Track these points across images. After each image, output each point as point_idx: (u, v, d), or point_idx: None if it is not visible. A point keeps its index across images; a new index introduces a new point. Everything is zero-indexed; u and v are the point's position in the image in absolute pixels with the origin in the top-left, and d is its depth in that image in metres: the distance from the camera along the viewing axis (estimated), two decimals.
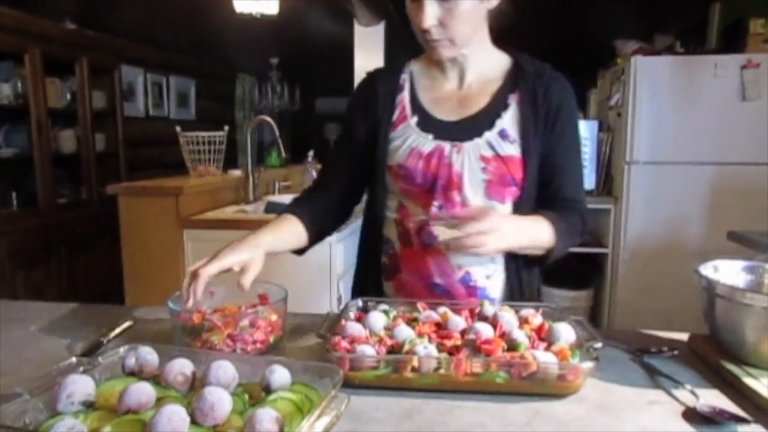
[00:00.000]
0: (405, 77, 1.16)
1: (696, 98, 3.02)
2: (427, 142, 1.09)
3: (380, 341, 0.82)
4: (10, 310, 1.17)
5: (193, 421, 0.60)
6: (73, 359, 0.75)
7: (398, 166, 1.10)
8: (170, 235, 2.36)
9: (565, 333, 0.83)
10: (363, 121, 1.16)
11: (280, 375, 0.69)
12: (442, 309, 0.94)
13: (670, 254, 3.10)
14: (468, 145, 1.07)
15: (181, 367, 0.71)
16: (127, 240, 2.42)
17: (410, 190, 1.11)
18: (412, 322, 0.90)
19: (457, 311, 0.93)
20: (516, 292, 1.13)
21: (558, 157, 1.11)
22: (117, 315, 1.09)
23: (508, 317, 0.88)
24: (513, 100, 1.09)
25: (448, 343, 0.82)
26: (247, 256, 0.94)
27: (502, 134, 1.07)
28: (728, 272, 0.93)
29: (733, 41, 3.12)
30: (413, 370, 0.76)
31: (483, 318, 0.91)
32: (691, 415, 0.71)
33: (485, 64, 1.12)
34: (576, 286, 3.40)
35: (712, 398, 0.75)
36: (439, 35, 1.01)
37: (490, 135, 1.07)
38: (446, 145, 1.08)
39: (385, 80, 1.16)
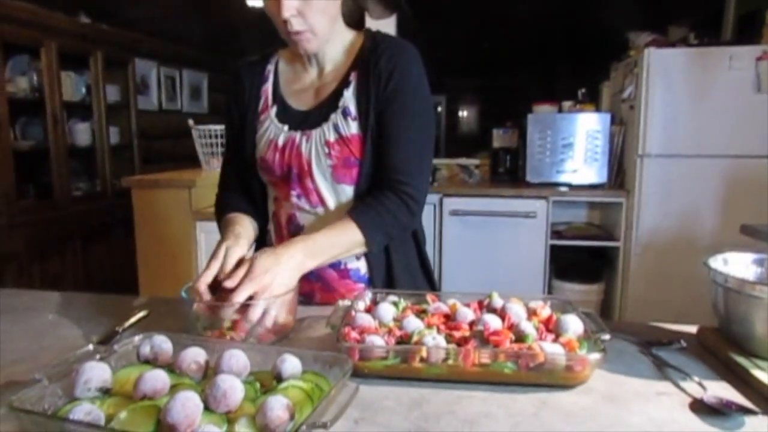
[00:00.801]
0: (270, 68, 1.19)
1: (710, 90, 2.99)
2: (282, 134, 1.13)
3: (389, 332, 0.84)
4: (28, 299, 1.19)
5: (206, 408, 0.62)
6: (90, 347, 0.77)
7: (261, 159, 1.15)
8: (183, 226, 2.39)
9: (573, 325, 0.83)
10: (236, 114, 1.20)
11: (291, 364, 0.71)
12: (452, 301, 0.95)
13: (682, 248, 3.08)
14: (315, 132, 1.10)
15: (195, 356, 0.73)
16: (140, 232, 2.46)
17: (273, 181, 1.17)
18: (421, 313, 0.91)
19: (465, 303, 0.94)
20: (389, 269, 1.15)
21: (388, 128, 1.08)
22: (131, 305, 1.12)
23: (516, 309, 0.89)
24: (353, 77, 1.11)
25: (457, 334, 0.83)
26: (243, 252, 1.00)
27: (345, 113, 1.09)
28: (738, 265, 0.93)
29: (748, 33, 3.08)
30: (422, 360, 0.77)
31: (491, 310, 0.92)
32: (698, 406, 0.72)
33: (340, 53, 1.14)
34: (586, 280, 3.39)
35: (720, 390, 0.76)
36: (299, 26, 1.03)
37: (335, 116, 1.09)
38: (297, 135, 1.11)
39: (251, 71, 1.20)
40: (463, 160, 3.86)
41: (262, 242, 1.24)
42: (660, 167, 3.10)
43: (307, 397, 0.65)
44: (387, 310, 0.90)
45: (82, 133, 3.70)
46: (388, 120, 1.08)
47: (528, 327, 0.82)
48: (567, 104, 3.45)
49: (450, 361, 0.77)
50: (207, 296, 0.92)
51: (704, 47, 3.07)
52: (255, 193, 1.22)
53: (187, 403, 0.59)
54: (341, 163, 1.09)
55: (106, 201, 3.81)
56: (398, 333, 0.83)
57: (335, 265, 1.13)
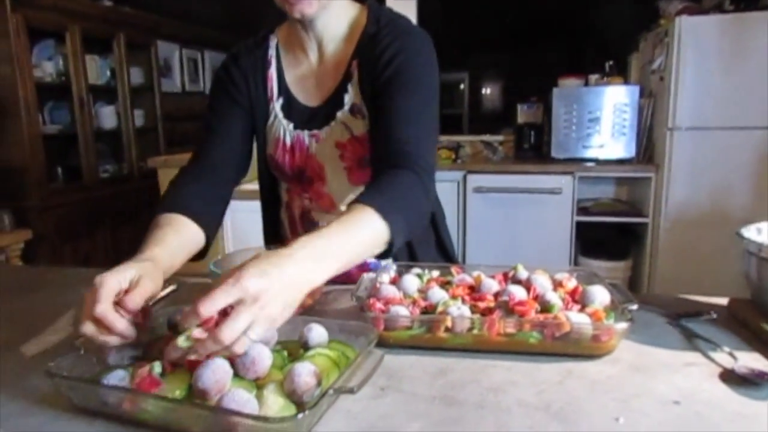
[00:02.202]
0: (272, 53, 1.09)
1: (746, 59, 2.88)
2: (288, 133, 1.06)
3: (414, 303, 0.84)
4: (62, 276, 1.23)
5: (236, 375, 0.63)
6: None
7: (270, 157, 1.09)
8: None
9: (600, 295, 0.82)
10: (232, 105, 1.06)
11: (317, 333, 0.72)
12: (476, 272, 0.94)
13: (713, 223, 3.02)
14: (324, 133, 1.03)
15: None
16: None
17: (286, 181, 1.10)
18: (445, 285, 0.91)
19: (490, 275, 0.94)
20: (407, 254, 1.10)
21: (390, 106, 0.94)
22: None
23: (542, 280, 0.88)
24: (354, 67, 1.01)
25: (482, 304, 0.83)
26: (135, 273, 0.72)
27: (353, 110, 1.02)
28: None
29: None
30: (447, 330, 0.77)
31: (516, 282, 0.91)
32: (728, 376, 0.71)
33: (342, 29, 1.04)
34: (613, 257, 3.35)
35: (751, 361, 0.74)
36: None
37: (343, 115, 1.02)
38: (305, 136, 1.05)
39: (251, 57, 1.08)
40: (486, 137, 3.82)
41: (275, 233, 1.19)
42: (690, 140, 3.02)
43: (334, 365, 0.66)
44: (411, 281, 0.90)
45: (107, 116, 3.76)
46: (391, 98, 0.95)
47: (554, 297, 0.82)
48: (594, 77, 3.38)
49: (475, 331, 0.77)
50: (120, 324, 0.66)
51: (741, 12, 2.94)
52: (221, 185, 1.04)
53: (218, 370, 0.61)
54: (356, 164, 1.04)
55: (133, 184, 3.88)
56: (423, 304, 0.84)
57: None
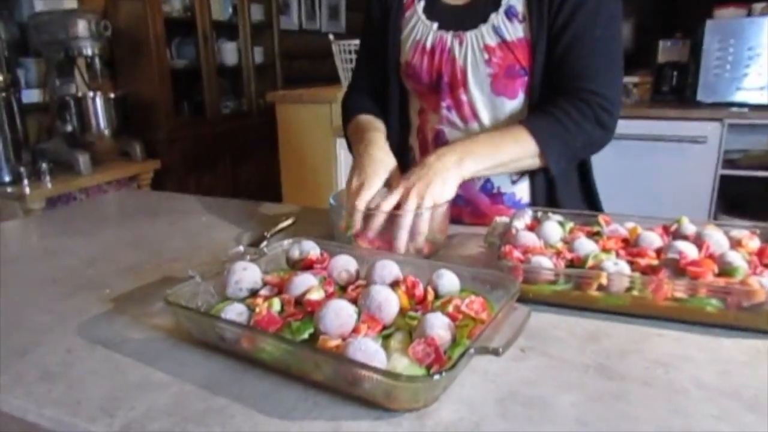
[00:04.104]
0: None
1: None
2: (430, 34, 0.98)
3: (558, 254, 0.72)
4: (184, 202, 1.24)
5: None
6: (241, 248, 0.75)
7: (406, 64, 1.03)
8: (324, 142, 2.40)
9: None
10: (378, 9, 1.08)
11: (448, 280, 0.63)
12: (630, 224, 0.80)
13: None
14: (471, 35, 0.95)
15: (346, 264, 0.68)
16: (284, 146, 2.52)
17: (420, 90, 1.04)
18: (593, 236, 0.79)
19: (647, 228, 0.80)
20: (547, 197, 1.00)
21: (569, 30, 0.90)
22: (279, 212, 1.11)
23: (717, 237, 0.73)
24: None
25: (642, 261, 0.69)
26: (386, 175, 0.88)
27: (509, 13, 0.93)
28: None
29: None
30: (600, 288, 0.65)
31: (681, 237, 0.76)
32: None
33: None
34: (762, 217, 2.94)
35: None
36: None
37: (496, 17, 0.94)
38: (448, 37, 0.95)
39: None
40: None
41: (401, 163, 1.14)
42: None
43: (469, 318, 0.57)
44: (553, 229, 0.78)
45: (229, 52, 3.84)
46: (569, 20, 0.89)
47: (736, 258, 0.67)
48: (759, 6, 2.88)
49: (635, 292, 0.65)
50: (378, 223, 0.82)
51: None
52: (390, 100, 1.10)
53: (341, 313, 0.54)
54: (503, 72, 0.94)
55: (252, 120, 3.98)
56: (569, 255, 0.72)
57: (487, 188, 1.02)
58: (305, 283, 0.62)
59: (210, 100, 3.61)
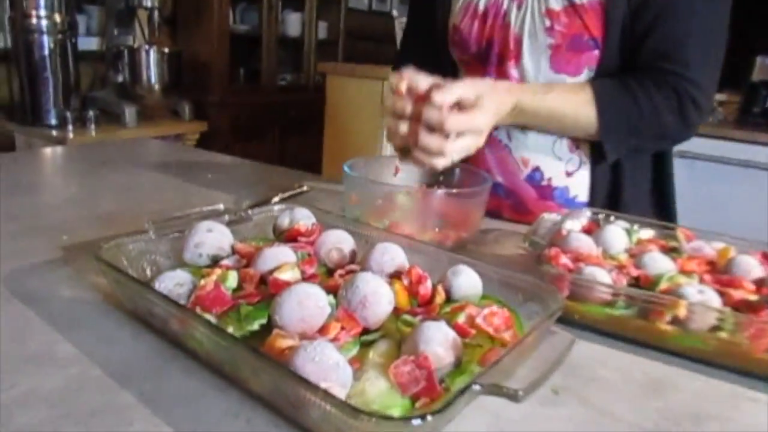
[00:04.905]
0: None
1: None
2: None
3: (620, 268, 0.55)
4: (196, 155, 1.13)
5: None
6: (221, 206, 0.61)
7: (453, 29, 0.88)
8: (371, 120, 2.27)
9: None
10: None
11: (467, 279, 0.47)
12: (719, 244, 0.62)
13: None
14: None
15: (338, 241, 0.53)
16: (330, 120, 2.41)
17: (466, 61, 0.89)
18: (669, 252, 0.60)
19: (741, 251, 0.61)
20: (609, 198, 0.82)
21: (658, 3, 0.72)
22: (300, 180, 0.97)
23: None
24: None
25: (735, 293, 0.51)
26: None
27: None
28: None
29: None
30: (674, 321, 0.48)
31: None
32: None
33: None
34: None
35: None
36: None
37: None
38: (504, 0, 0.81)
39: None
40: None
41: None
42: None
43: (485, 336, 0.41)
44: (618, 235, 0.61)
45: (293, 23, 3.75)
46: None
47: None
48: None
49: (723, 334, 0.47)
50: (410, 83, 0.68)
51: None
52: (442, 70, 0.94)
53: (306, 302, 0.39)
54: (567, 42, 0.76)
55: (307, 94, 3.88)
56: (634, 272, 0.54)
57: (535, 178, 0.84)
58: (278, 257, 0.47)
59: (267, 70, 3.53)
